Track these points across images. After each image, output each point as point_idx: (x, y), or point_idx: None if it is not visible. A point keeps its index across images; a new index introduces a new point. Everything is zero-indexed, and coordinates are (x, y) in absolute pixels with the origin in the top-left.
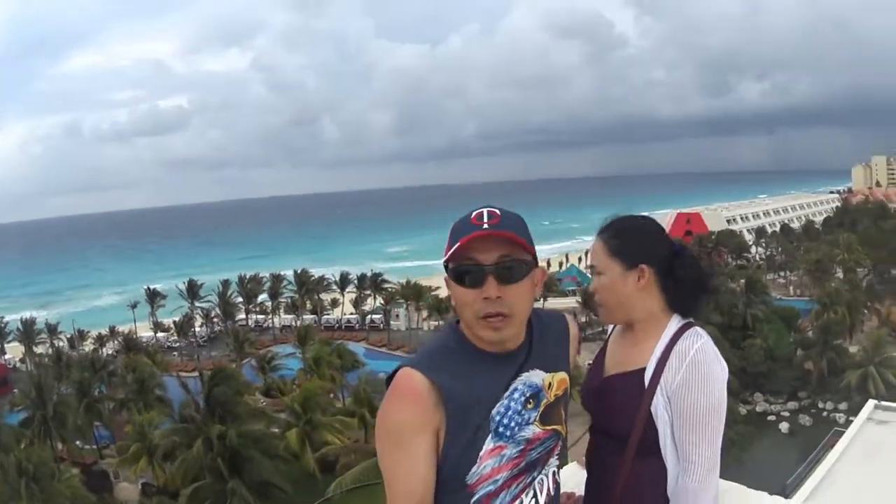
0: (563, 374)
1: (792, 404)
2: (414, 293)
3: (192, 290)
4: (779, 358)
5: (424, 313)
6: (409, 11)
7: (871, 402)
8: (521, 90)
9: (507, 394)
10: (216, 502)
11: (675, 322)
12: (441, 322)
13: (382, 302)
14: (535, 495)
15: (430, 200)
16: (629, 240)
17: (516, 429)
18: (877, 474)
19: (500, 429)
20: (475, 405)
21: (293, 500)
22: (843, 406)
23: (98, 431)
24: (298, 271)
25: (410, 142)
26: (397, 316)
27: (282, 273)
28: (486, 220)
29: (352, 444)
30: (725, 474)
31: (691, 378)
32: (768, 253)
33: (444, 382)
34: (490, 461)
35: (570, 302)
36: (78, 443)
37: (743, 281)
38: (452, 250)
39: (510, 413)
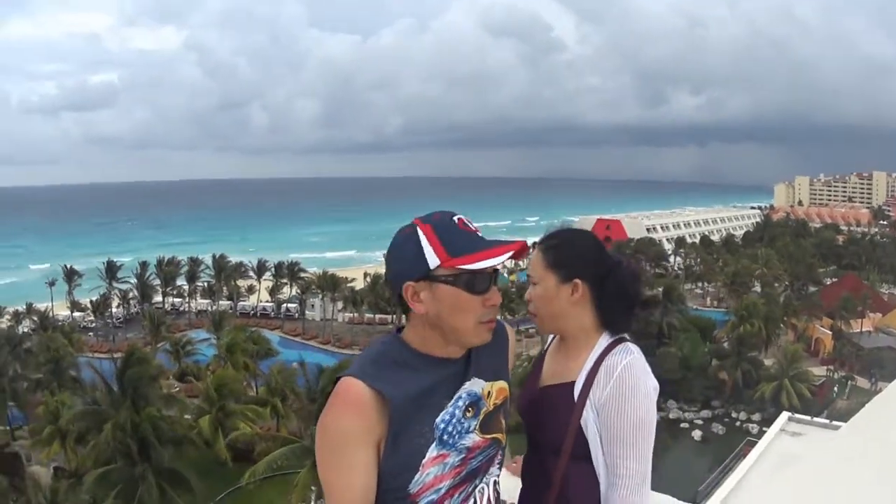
0: (502, 383)
1: (705, 413)
2: (330, 284)
3: (111, 271)
4: (693, 367)
5: (340, 304)
6: (344, 2)
7: (784, 414)
8: (450, 87)
9: (452, 402)
10: (126, 487)
11: (605, 337)
12: (354, 314)
13: (298, 291)
14: (475, 502)
15: (352, 192)
16: (567, 253)
17: (457, 437)
18: (788, 485)
19: (445, 436)
20: (419, 413)
21: (203, 487)
22: (756, 416)
23: (11, 412)
24: (217, 256)
25: (336, 132)
26: (312, 306)
27: (200, 257)
28: (474, 226)
29: (265, 433)
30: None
31: (618, 393)
32: (687, 263)
33: (387, 391)
34: (433, 469)
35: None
36: None
37: (660, 289)
38: (479, 261)
39: (454, 421)
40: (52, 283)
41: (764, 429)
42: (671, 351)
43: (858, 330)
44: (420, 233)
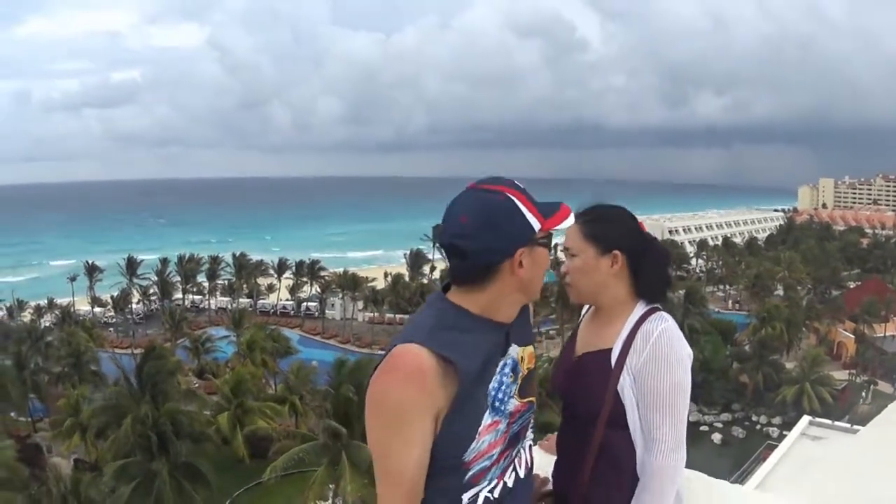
0: (531, 349)
1: (725, 416)
2: (350, 283)
3: (132, 267)
4: (714, 370)
5: (360, 304)
6: (366, 1)
7: (805, 418)
8: (474, 87)
9: (499, 369)
10: (144, 480)
11: (641, 306)
12: (375, 314)
13: (319, 290)
14: (515, 469)
15: (374, 191)
16: (605, 226)
17: (506, 401)
18: (808, 488)
19: (496, 403)
20: (481, 380)
21: (220, 483)
22: (776, 420)
23: (32, 404)
24: (237, 254)
25: (359, 131)
26: (332, 305)
27: (220, 255)
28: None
29: (283, 430)
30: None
31: (655, 358)
32: (709, 266)
33: (457, 359)
34: (487, 436)
35: None
36: (13, 414)
37: (682, 292)
38: (563, 220)
39: (503, 387)
40: (73, 279)
41: (784, 432)
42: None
43: (882, 334)
44: (514, 199)
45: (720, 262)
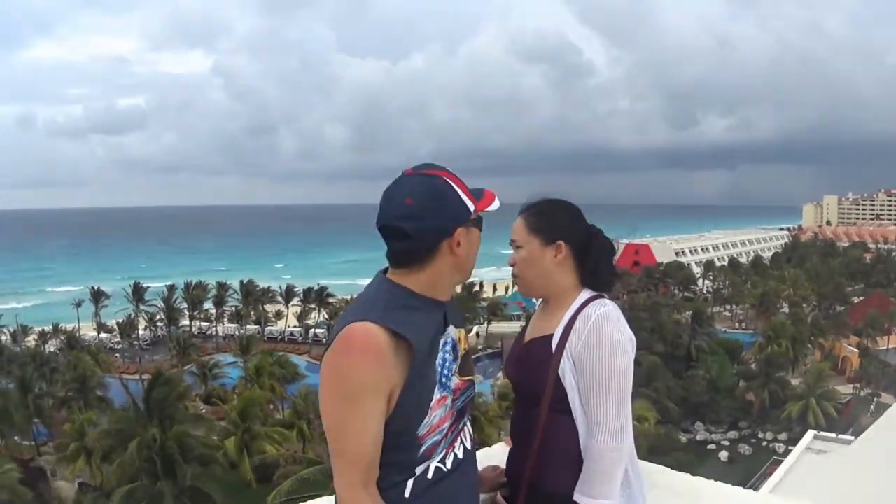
0: (463, 331)
1: (732, 434)
2: None
3: (138, 293)
4: (721, 388)
5: None
6: (373, 27)
7: (810, 433)
8: (481, 113)
9: (441, 346)
10: None
11: (585, 294)
12: None
13: (327, 316)
14: (462, 441)
15: None
16: (548, 218)
17: (448, 379)
18: (814, 501)
19: (443, 379)
20: (429, 358)
21: None
22: (782, 436)
23: (36, 428)
24: (244, 281)
25: (366, 158)
26: None
27: (227, 282)
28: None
29: (290, 455)
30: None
31: (593, 340)
32: (715, 286)
33: (411, 335)
34: (439, 411)
35: (515, 326)
36: (16, 438)
37: (689, 313)
38: (492, 203)
39: (447, 364)
40: (78, 305)
41: (790, 448)
42: (699, 373)
43: (885, 347)
44: (450, 182)
45: (726, 282)
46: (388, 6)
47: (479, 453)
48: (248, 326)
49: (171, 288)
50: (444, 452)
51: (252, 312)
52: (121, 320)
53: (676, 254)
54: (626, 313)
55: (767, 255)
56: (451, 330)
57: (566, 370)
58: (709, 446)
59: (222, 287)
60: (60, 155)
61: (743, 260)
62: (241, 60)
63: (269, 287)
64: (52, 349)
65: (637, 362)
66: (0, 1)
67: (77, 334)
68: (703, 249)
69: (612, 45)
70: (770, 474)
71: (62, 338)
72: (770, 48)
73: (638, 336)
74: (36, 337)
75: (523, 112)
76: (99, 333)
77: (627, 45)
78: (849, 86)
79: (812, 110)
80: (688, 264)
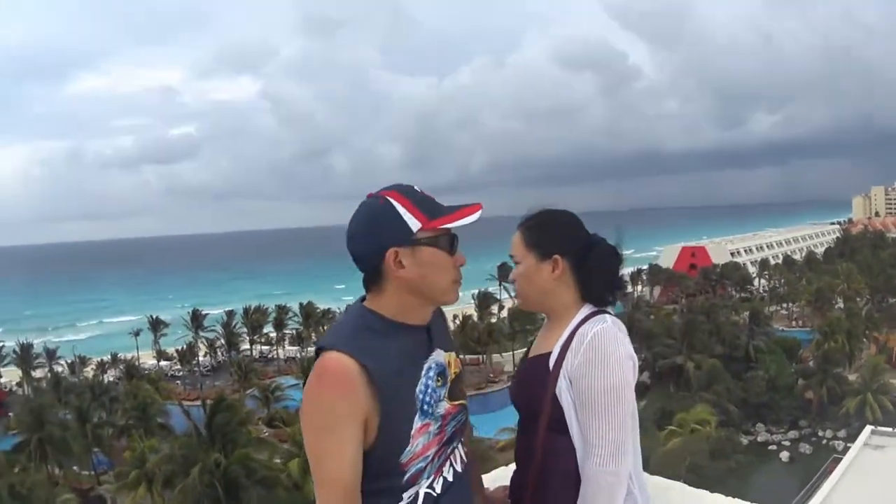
0: (454, 355)
1: (793, 433)
2: None
3: (197, 320)
4: (780, 388)
5: None
6: (418, 44)
7: (868, 428)
8: (531, 123)
9: (424, 372)
10: None
11: (585, 310)
12: None
13: None
14: (451, 465)
15: None
16: (545, 231)
17: (434, 405)
18: (873, 497)
19: (425, 406)
20: (402, 384)
21: None
22: (841, 433)
23: (96, 457)
24: (304, 303)
25: (420, 174)
26: None
27: (287, 305)
28: (427, 192)
29: None
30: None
31: (589, 360)
32: (771, 285)
33: (374, 366)
34: (421, 439)
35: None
36: (75, 468)
37: (746, 313)
38: (457, 220)
39: (429, 391)
40: (136, 334)
41: (849, 444)
42: (758, 374)
43: None
44: (392, 201)
45: (782, 281)
46: (431, 23)
47: (490, 474)
48: (309, 348)
49: (231, 313)
50: (432, 477)
51: (313, 334)
52: (180, 347)
53: (732, 254)
54: (676, 318)
55: (820, 250)
56: (438, 354)
57: (562, 389)
58: (770, 447)
59: (282, 310)
60: (113, 186)
61: (797, 257)
62: (288, 84)
63: (328, 308)
64: (110, 379)
65: (697, 366)
66: (46, 38)
67: (136, 363)
68: (757, 248)
69: (655, 48)
70: (830, 472)
71: (121, 367)
72: (811, 41)
73: (696, 339)
74: (94, 367)
75: (572, 120)
76: (158, 361)
77: (670, 46)
78: (890, 75)
79: (856, 102)
80: (743, 264)
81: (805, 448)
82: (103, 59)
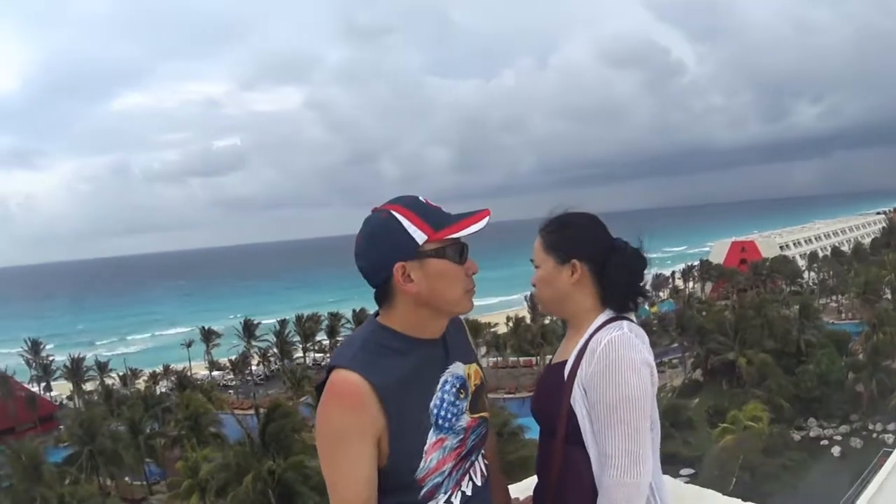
0: (476, 366)
1: (844, 428)
2: (472, 330)
3: (249, 330)
4: (831, 382)
5: (483, 349)
6: (462, 48)
7: None
8: (577, 122)
9: (440, 386)
10: None
11: (603, 316)
12: (499, 358)
13: None
14: (471, 478)
15: (490, 237)
16: (564, 235)
17: (453, 419)
18: None
19: (440, 421)
20: (413, 399)
21: None
22: (892, 426)
23: (149, 468)
24: (357, 310)
25: (469, 177)
26: None
27: (340, 312)
28: (433, 202)
29: None
30: (774, 500)
31: (602, 369)
32: (820, 277)
33: (382, 382)
34: (435, 454)
35: None
36: (127, 479)
37: (797, 307)
38: (463, 229)
39: (445, 405)
40: (188, 345)
41: None
42: (809, 368)
43: None
44: (397, 214)
45: (830, 273)
46: (473, 27)
47: (521, 484)
48: None
49: (283, 322)
50: (449, 492)
51: None
52: (233, 357)
53: (781, 248)
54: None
55: (868, 241)
56: (456, 367)
57: (577, 399)
58: (822, 442)
59: (335, 317)
60: (159, 200)
61: (845, 248)
62: (333, 92)
63: None
64: (162, 390)
65: (749, 362)
66: (88, 55)
67: (188, 374)
68: (806, 241)
69: (696, 42)
70: (881, 466)
71: (173, 378)
72: (849, 30)
73: (747, 334)
74: (146, 379)
75: (619, 118)
76: (211, 371)
77: (711, 40)
78: None
79: None
80: (793, 257)
81: (856, 442)
82: (147, 74)
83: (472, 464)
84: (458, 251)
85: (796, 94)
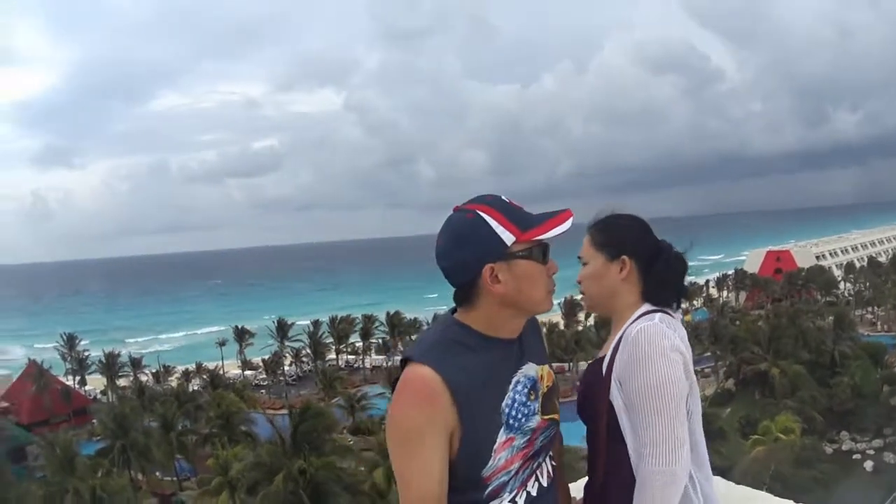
0: (548, 368)
1: (877, 442)
2: None
3: (282, 330)
4: (865, 395)
5: None
6: (500, 52)
7: None
8: (616, 127)
9: (512, 386)
10: None
11: (642, 309)
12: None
13: None
14: (537, 479)
15: None
16: (614, 233)
17: (523, 420)
18: None
19: (511, 421)
20: (486, 397)
21: None
22: None
23: (179, 464)
24: (391, 313)
25: (507, 181)
26: None
27: (374, 314)
28: (517, 202)
29: None
30: None
31: (631, 358)
32: (857, 288)
33: (456, 379)
34: (503, 453)
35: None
36: (157, 474)
37: (832, 318)
38: (550, 230)
39: (517, 405)
40: (222, 344)
41: None
42: (843, 380)
43: None
44: (484, 215)
45: (867, 284)
46: (511, 30)
47: (575, 484)
48: (396, 357)
49: (317, 323)
50: (515, 491)
51: (399, 343)
52: (266, 357)
53: (817, 258)
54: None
55: None
56: (529, 367)
57: (614, 393)
58: (854, 456)
59: (368, 319)
60: (197, 200)
61: (882, 259)
62: (372, 94)
63: (415, 318)
64: (195, 388)
65: (782, 373)
66: (126, 56)
67: (221, 372)
68: (842, 251)
69: (736, 48)
70: None
71: (205, 376)
72: (888, 35)
73: (781, 344)
74: (179, 376)
75: (658, 123)
76: (243, 371)
77: (751, 46)
78: None
79: None
80: (829, 268)
81: (889, 457)
82: (185, 74)
83: (540, 465)
84: (543, 252)
85: (835, 101)
